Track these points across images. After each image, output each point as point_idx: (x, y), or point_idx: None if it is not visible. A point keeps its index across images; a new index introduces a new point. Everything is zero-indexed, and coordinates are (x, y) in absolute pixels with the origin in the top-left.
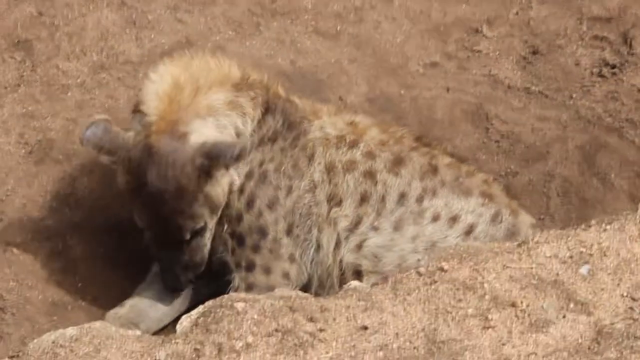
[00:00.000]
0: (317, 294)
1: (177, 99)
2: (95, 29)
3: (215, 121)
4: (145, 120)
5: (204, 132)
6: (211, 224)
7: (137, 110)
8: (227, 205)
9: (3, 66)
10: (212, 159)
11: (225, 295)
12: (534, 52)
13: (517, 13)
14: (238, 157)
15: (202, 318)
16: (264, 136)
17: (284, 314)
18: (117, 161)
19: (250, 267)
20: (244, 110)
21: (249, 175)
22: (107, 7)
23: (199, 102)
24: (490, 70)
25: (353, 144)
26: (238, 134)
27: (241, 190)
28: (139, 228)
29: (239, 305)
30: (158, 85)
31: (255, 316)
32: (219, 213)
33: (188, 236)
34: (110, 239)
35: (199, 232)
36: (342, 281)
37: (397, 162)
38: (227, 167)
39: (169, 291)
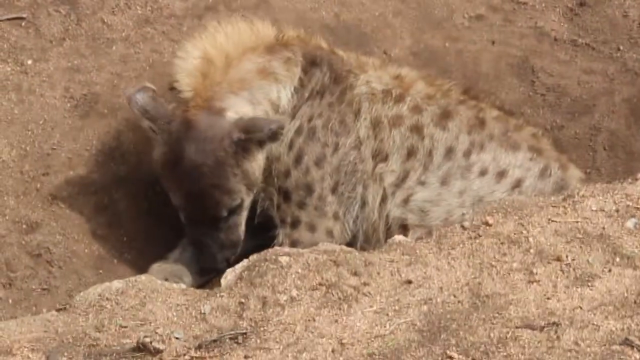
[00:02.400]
0: (362, 249)
1: (209, 74)
2: None
3: (249, 95)
4: (181, 96)
5: (239, 108)
6: (247, 201)
7: (171, 87)
8: (277, 159)
9: (48, 20)
10: (249, 134)
11: (270, 250)
12: (581, 4)
13: None
14: (274, 135)
15: (246, 272)
16: (312, 89)
17: (328, 268)
18: (157, 130)
19: (295, 223)
20: (277, 77)
21: (298, 131)
22: None
23: (232, 77)
24: (536, 22)
25: (399, 99)
26: (273, 107)
27: (290, 145)
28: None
29: (283, 259)
30: (188, 63)
31: (300, 270)
32: (255, 191)
33: (225, 213)
34: (155, 193)
35: (235, 210)
36: (388, 235)
37: (445, 116)
38: (262, 144)
39: (205, 271)
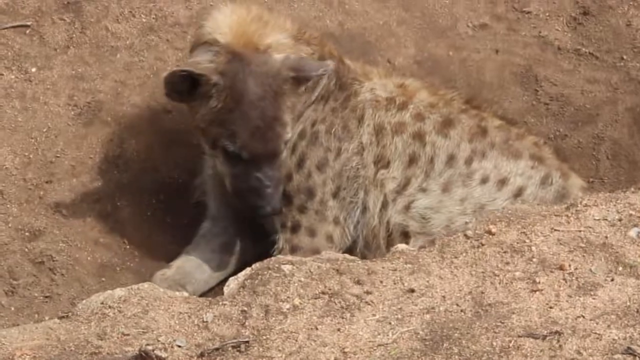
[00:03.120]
0: (362, 255)
1: (248, 30)
2: None
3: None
4: (219, 46)
5: (281, 49)
6: (290, 139)
7: (201, 43)
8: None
9: (53, 28)
10: (299, 71)
11: (272, 258)
12: (585, 13)
13: None
14: (320, 77)
15: (249, 280)
16: (318, 94)
17: (331, 277)
18: (204, 90)
19: (295, 228)
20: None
21: (301, 134)
22: None
23: (269, 37)
24: (540, 31)
25: (402, 106)
26: None
27: (293, 148)
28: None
29: (286, 268)
30: (227, 17)
31: (302, 278)
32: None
33: (283, 147)
34: (158, 201)
35: (284, 146)
36: (389, 242)
37: (446, 124)
38: (307, 81)
39: (268, 214)
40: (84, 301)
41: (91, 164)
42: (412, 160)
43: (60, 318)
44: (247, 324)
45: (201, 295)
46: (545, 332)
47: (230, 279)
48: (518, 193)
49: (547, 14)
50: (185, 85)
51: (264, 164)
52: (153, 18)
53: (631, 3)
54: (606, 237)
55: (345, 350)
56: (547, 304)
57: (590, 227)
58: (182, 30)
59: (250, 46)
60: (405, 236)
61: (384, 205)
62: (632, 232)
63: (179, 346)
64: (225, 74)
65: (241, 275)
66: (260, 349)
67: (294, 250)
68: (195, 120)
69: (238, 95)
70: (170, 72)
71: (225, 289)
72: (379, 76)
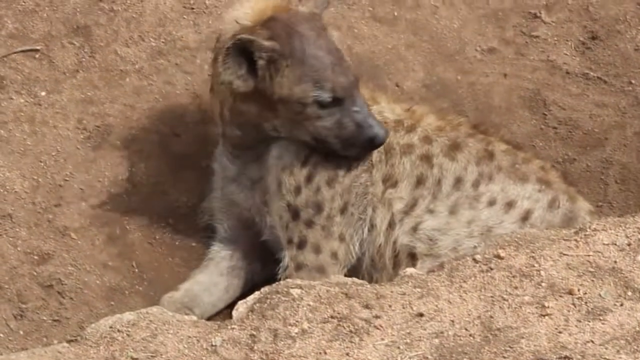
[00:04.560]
0: (368, 274)
1: (269, 5)
2: (154, 15)
3: None
4: (248, 27)
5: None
6: None
7: (234, 35)
8: (290, 172)
9: (62, 52)
10: (323, 4)
11: (281, 282)
12: (593, 38)
13: None
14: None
15: (258, 304)
16: None
17: (340, 301)
18: (265, 61)
19: (301, 244)
20: None
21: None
22: None
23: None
24: (548, 55)
25: (410, 129)
26: None
27: (304, 162)
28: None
29: (295, 292)
30: (243, 8)
31: (311, 302)
32: None
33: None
34: (167, 224)
35: None
36: (396, 263)
37: (454, 147)
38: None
39: (384, 138)
40: (92, 325)
41: (100, 188)
42: (420, 182)
43: (69, 342)
44: (255, 348)
45: (209, 318)
46: (555, 357)
47: (239, 302)
48: (525, 216)
49: (555, 39)
50: (245, 66)
51: (355, 95)
52: (162, 42)
53: (639, 27)
54: (615, 261)
55: None
56: (556, 328)
57: (599, 252)
58: (191, 54)
59: (276, 10)
60: (412, 257)
61: (391, 225)
62: None
63: None
64: (274, 37)
65: (250, 299)
66: None
67: (299, 267)
68: (275, 93)
69: (299, 45)
70: (224, 50)
71: (234, 313)
72: (387, 101)
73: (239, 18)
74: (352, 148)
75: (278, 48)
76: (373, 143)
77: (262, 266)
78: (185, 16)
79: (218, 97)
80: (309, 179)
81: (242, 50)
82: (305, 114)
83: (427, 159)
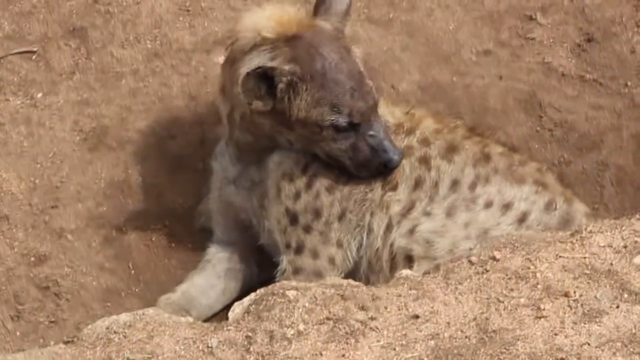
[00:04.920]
0: (365, 277)
1: (289, 16)
2: (149, 17)
3: None
4: (271, 41)
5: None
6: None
7: (247, 51)
8: (290, 178)
9: (58, 53)
10: (343, 17)
11: (277, 283)
12: (589, 40)
13: (571, 0)
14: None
15: (254, 306)
16: None
17: (336, 302)
18: (284, 84)
19: (299, 249)
20: None
21: (313, 156)
22: None
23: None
24: (544, 58)
25: (410, 131)
26: None
27: (305, 167)
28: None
29: (291, 293)
30: (262, 16)
31: (307, 304)
32: None
33: (377, 95)
34: (164, 226)
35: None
36: (393, 265)
37: (451, 150)
38: (348, 15)
39: (398, 162)
40: (89, 326)
41: (96, 189)
42: (418, 184)
43: (66, 343)
44: (251, 349)
45: (206, 320)
46: (550, 359)
47: (235, 304)
48: (522, 218)
49: (551, 41)
50: (264, 88)
51: (372, 120)
52: (158, 44)
53: (635, 30)
54: (611, 264)
55: None
56: (552, 330)
57: (595, 254)
58: (187, 56)
59: (301, 26)
60: (409, 260)
61: (389, 228)
62: (637, 259)
63: None
64: (296, 58)
65: (246, 300)
66: None
67: (296, 271)
68: (292, 116)
69: (321, 69)
70: (243, 76)
71: (230, 314)
72: (386, 105)
73: (262, 28)
74: (366, 170)
75: (299, 72)
76: (386, 167)
77: (259, 269)
78: (181, 18)
79: (230, 101)
80: (309, 185)
81: (263, 75)
82: (321, 135)
83: (425, 161)
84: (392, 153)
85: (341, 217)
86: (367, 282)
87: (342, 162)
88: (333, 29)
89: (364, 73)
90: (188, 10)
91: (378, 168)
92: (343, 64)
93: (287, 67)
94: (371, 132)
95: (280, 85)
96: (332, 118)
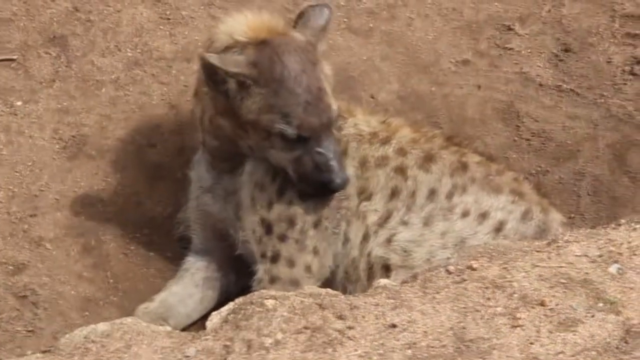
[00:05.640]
0: (343, 286)
1: (264, 22)
2: (130, 25)
3: None
4: (241, 44)
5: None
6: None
7: (227, 48)
8: (261, 187)
9: (39, 61)
10: (318, 31)
11: (255, 292)
12: (566, 50)
13: (549, 10)
14: (328, 21)
15: (232, 315)
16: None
17: (314, 312)
18: (242, 85)
19: (275, 257)
20: None
21: None
22: (142, 3)
23: (284, 27)
24: (521, 68)
25: (385, 141)
26: None
27: (275, 176)
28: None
29: (269, 303)
30: (238, 21)
31: (285, 313)
32: None
33: (335, 116)
34: (142, 235)
35: (336, 116)
36: (370, 275)
37: (428, 159)
38: (325, 32)
39: (340, 186)
40: (67, 335)
41: (75, 198)
42: (394, 194)
43: (43, 352)
44: (229, 358)
45: (184, 329)
46: None
47: (213, 313)
48: (499, 227)
49: (528, 51)
50: (219, 84)
51: (323, 137)
52: (138, 52)
53: (611, 40)
54: (587, 273)
55: None
56: (527, 339)
57: (571, 263)
58: (168, 64)
59: (273, 33)
60: (387, 269)
61: (365, 237)
62: (612, 269)
63: None
64: (258, 62)
65: (224, 309)
66: None
67: (273, 280)
68: (243, 115)
69: (279, 76)
70: (202, 58)
71: (208, 324)
72: (363, 113)
73: (235, 32)
74: (307, 186)
75: (252, 75)
76: (327, 188)
77: (237, 278)
78: (161, 27)
79: (201, 103)
80: (281, 193)
81: (214, 70)
82: (269, 141)
83: (401, 171)
84: (335, 175)
85: (317, 224)
86: (345, 292)
87: (288, 173)
88: (305, 41)
89: (325, 90)
90: (169, 19)
91: (319, 187)
92: (303, 76)
93: (234, 70)
94: (319, 149)
95: (230, 85)
96: (281, 127)
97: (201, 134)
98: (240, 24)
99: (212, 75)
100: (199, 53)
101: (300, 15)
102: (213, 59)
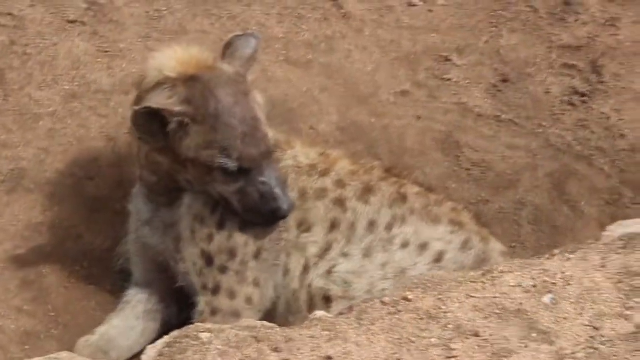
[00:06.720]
0: (284, 318)
1: (193, 57)
2: (67, 58)
3: None
4: (171, 80)
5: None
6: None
7: (149, 89)
8: (201, 220)
9: None
10: (246, 62)
11: (191, 326)
12: (504, 81)
13: (487, 41)
14: (257, 50)
15: (167, 348)
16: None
17: (249, 344)
18: (176, 125)
19: (216, 289)
20: None
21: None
22: (79, 36)
23: (213, 59)
24: (460, 98)
25: (324, 173)
26: None
27: (214, 208)
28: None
29: (204, 336)
30: (167, 55)
31: (220, 346)
32: None
33: (272, 144)
34: (82, 268)
35: (273, 144)
36: (311, 306)
37: (367, 191)
38: (254, 61)
39: (287, 213)
40: None
41: (14, 232)
42: (334, 226)
43: None
44: None
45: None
46: None
47: (148, 347)
48: (438, 258)
49: (467, 81)
50: (156, 126)
51: (264, 166)
52: (76, 85)
53: (549, 71)
54: (521, 303)
55: None
56: None
57: (505, 294)
58: (106, 97)
59: (201, 67)
60: (327, 300)
61: (306, 269)
62: (546, 299)
63: None
64: (190, 99)
65: (159, 343)
66: None
67: (214, 312)
68: (182, 155)
69: (213, 111)
70: (133, 112)
71: (143, 357)
72: (302, 145)
73: (165, 67)
74: (254, 216)
75: (190, 112)
76: (275, 215)
77: (178, 309)
78: (99, 60)
79: (137, 140)
80: (221, 225)
81: (154, 114)
82: (211, 176)
83: (340, 203)
84: (281, 202)
85: (257, 255)
86: (286, 323)
87: (233, 205)
88: (234, 72)
89: (260, 119)
90: (106, 52)
91: (266, 215)
92: (237, 108)
93: (177, 109)
94: (262, 179)
95: (171, 126)
96: (221, 161)
97: (138, 169)
98: (170, 59)
99: (152, 118)
100: (132, 109)
101: (228, 46)
102: (152, 104)
